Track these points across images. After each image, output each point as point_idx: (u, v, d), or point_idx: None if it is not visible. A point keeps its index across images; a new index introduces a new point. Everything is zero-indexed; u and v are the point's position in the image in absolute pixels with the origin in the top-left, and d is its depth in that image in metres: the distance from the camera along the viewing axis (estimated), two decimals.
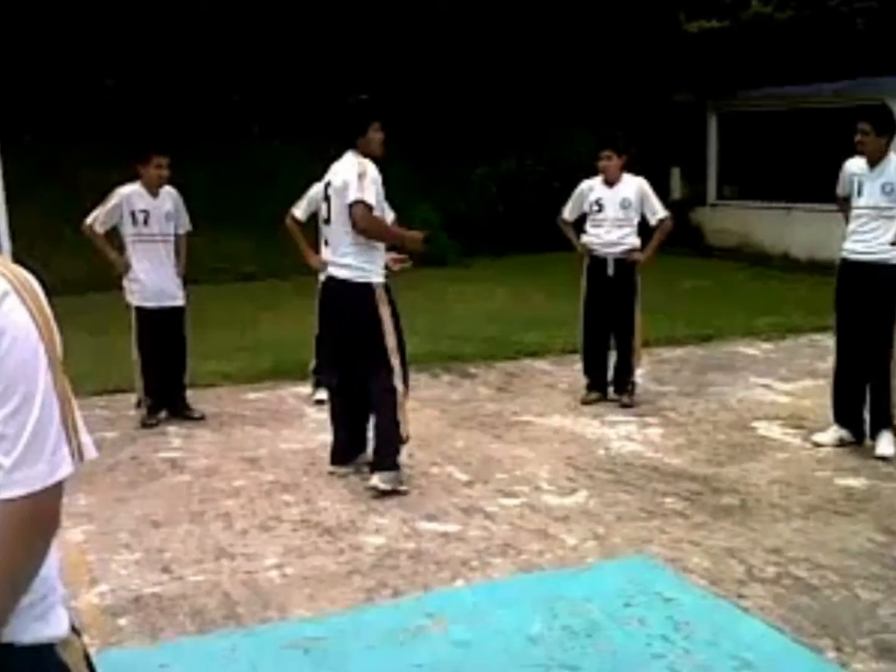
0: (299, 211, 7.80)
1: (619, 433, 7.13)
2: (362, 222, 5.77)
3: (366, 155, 5.87)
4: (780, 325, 10.94)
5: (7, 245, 7.04)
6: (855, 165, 6.52)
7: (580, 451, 6.72)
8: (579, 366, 8.24)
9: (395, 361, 5.91)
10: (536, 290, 13.25)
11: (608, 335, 7.94)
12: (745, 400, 7.99)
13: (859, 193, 6.46)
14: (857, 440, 6.69)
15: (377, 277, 5.91)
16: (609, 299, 7.81)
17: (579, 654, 3.95)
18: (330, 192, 6.00)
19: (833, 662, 3.89)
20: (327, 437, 6.71)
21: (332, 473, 6.24)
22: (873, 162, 6.36)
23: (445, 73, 17.02)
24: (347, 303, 5.99)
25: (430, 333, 9.70)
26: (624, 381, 7.92)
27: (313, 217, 7.89)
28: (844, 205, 6.71)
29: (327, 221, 6.21)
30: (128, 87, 15.99)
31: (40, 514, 1.67)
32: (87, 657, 1.92)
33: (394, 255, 6.35)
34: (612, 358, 8.03)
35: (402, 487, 5.88)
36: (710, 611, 4.36)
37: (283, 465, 6.47)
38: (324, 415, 7.45)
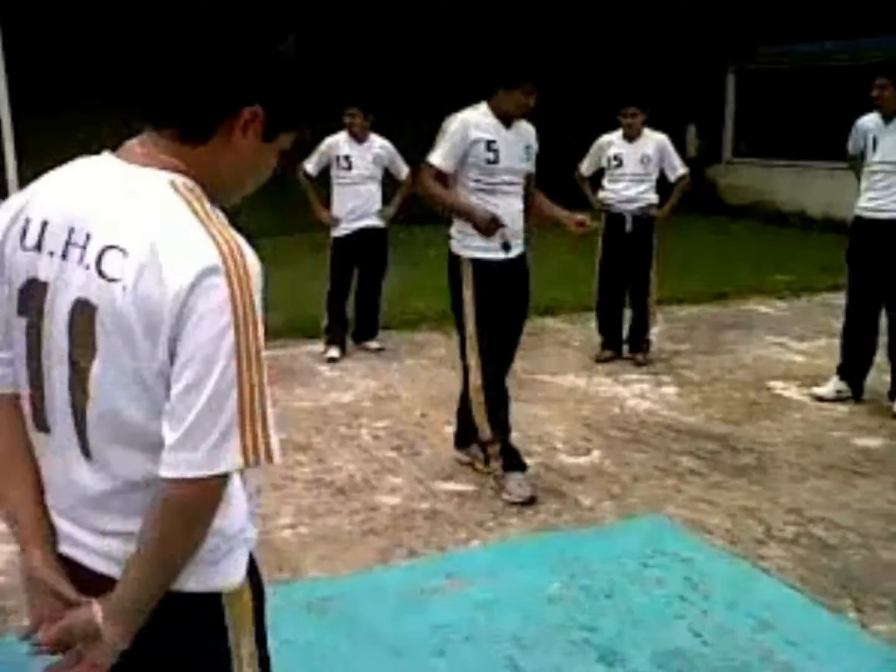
0: (311, 165, 7.74)
1: (633, 392, 7.08)
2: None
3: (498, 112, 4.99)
4: (795, 283, 10.84)
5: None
6: (869, 121, 6.44)
7: (594, 410, 6.67)
8: (593, 324, 8.18)
9: (472, 353, 5.14)
10: (546, 247, 13.13)
11: (624, 292, 7.89)
12: (760, 359, 7.93)
13: (874, 149, 6.38)
14: (855, 396, 6.72)
15: (469, 252, 5.06)
16: (626, 256, 7.72)
17: (598, 615, 3.92)
18: None
19: (853, 623, 3.87)
20: (340, 395, 6.69)
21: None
22: (888, 117, 6.27)
23: (446, 21, 16.72)
24: (448, 273, 5.26)
25: (440, 292, 9.59)
26: (639, 339, 7.86)
27: (324, 172, 7.83)
28: (856, 162, 6.63)
29: None
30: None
31: (192, 502, 1.59)
32: (257, 610, 1.85)
33: (573, 215, 5.24)
34: (627, 316, 7.98)
35: (516, 495, 5.10)
36: (728, 571, 4.33)
37: (295, 423, 6.41)
38: (337, 373, 7.44)
